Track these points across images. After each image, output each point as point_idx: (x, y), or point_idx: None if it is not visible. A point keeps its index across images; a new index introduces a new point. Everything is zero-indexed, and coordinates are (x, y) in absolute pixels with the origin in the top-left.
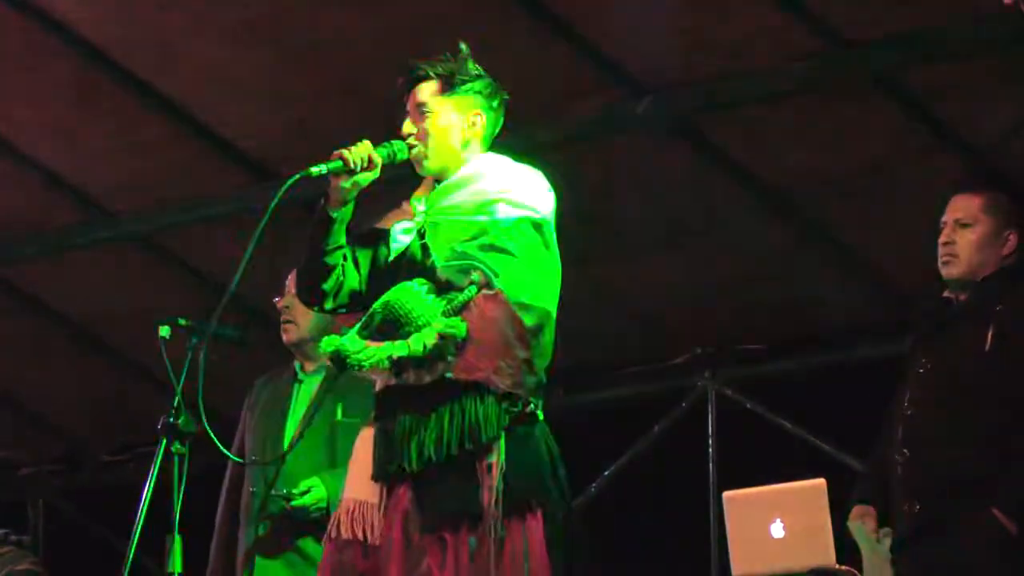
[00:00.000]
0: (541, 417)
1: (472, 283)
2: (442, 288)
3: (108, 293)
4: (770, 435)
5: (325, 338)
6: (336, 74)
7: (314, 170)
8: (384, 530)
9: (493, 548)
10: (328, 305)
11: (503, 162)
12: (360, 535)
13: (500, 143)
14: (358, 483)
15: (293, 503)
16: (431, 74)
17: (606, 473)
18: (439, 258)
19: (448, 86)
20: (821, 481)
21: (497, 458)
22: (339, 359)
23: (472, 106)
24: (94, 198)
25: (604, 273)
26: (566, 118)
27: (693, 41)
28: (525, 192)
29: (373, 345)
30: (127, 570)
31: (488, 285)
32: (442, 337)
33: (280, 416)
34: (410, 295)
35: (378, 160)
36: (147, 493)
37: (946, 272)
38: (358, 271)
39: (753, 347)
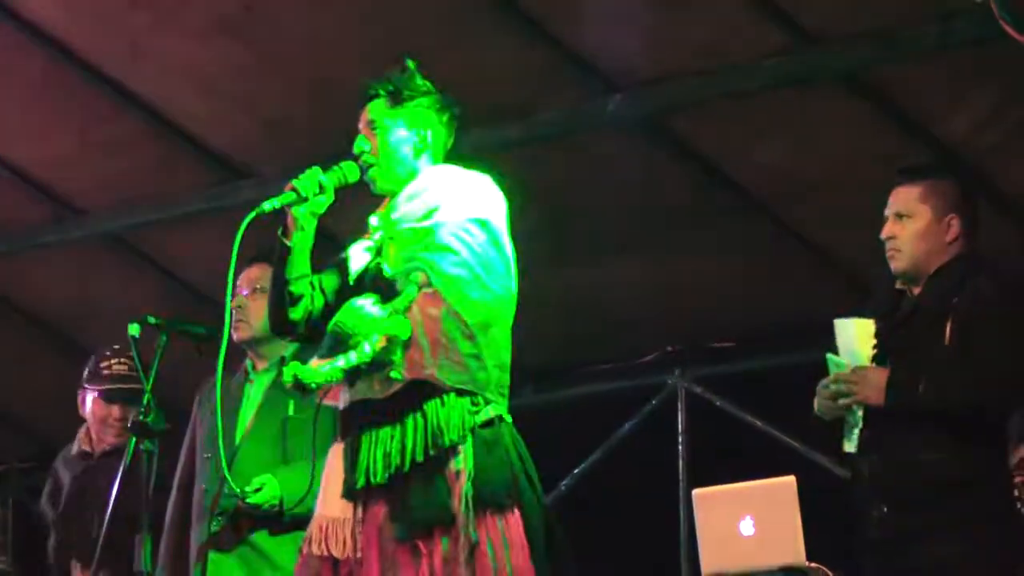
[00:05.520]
0: (508, 419)
1: (413, 284)
2: (393, 297)
3: (78, 291)
4: (740, 433)
5: (286, 367)
6: (307, 73)
7: (266, 206)
8: (362, 546)
9: (464, 553)
10: (300, 333)
11: (451, 170)
12: (330, 552)
13: (470, 142)
14: (331, 499)
15: (246, 500)
16: (380, 92)
17: (576, 471)
18: (396, 270)
19: (396, 102)
20: (791, 478)
21: (465, 463)
22: (299, 384)
23: (421, 121)
24: (64, 196)
25: (574, 270)
26: (537, 116)
27: (663, 39)
28: (469, 194)
29: (324, 362)
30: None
31: (428, 284)
32: (387, 340)
33: (232, 413)
34: (352, 311)
35: (328, 184)
36: (116, 490)
37: (893, 267)
38: (325, 297)
39: (723, 345)
